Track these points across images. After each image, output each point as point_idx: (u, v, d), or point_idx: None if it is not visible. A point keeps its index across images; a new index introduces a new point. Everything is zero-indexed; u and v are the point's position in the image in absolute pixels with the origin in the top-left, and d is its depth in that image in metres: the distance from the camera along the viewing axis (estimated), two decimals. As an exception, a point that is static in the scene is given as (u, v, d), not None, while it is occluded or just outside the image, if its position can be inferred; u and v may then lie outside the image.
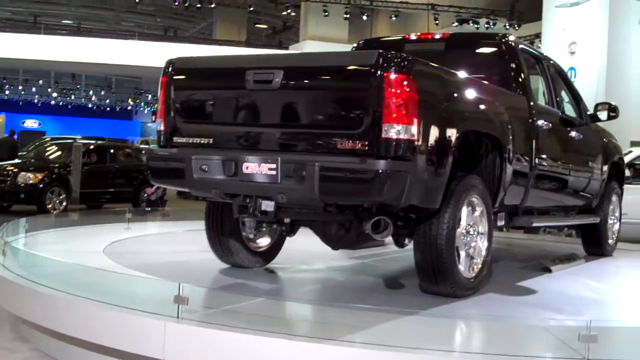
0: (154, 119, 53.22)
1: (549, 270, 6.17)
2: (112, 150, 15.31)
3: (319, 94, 4.41)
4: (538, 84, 6.27)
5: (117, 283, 4.44)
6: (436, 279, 4.59)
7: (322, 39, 26.37)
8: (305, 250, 6.09)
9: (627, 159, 10.34)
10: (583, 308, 4.86)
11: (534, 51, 6.34)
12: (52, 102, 49.70)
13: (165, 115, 4.84)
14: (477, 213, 4.80)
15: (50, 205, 13.26)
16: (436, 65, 4.57)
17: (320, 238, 5.16)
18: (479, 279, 4.84)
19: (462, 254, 4.66)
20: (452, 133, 4.36)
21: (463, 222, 4.63)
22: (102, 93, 48.13)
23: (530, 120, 5.50)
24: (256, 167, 4.33)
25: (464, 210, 4.62)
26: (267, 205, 4.47)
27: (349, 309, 4.14)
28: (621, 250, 7.68)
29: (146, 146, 22.60)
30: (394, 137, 3.98)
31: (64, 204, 13.50)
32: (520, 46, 5.84)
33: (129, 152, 16.00)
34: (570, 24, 15.30)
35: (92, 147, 14.90)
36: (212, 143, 4.64)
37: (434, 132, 4.22)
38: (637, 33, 14.96)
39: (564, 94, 6.69)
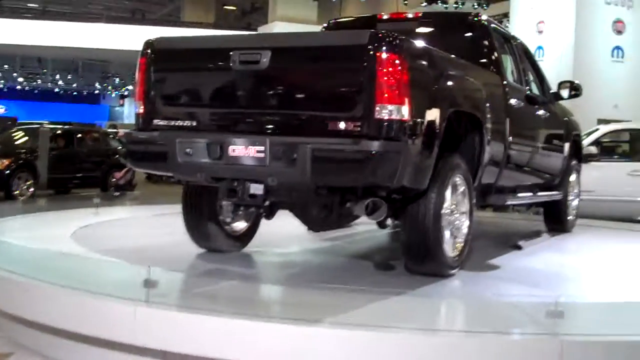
0: (121, 103, 52.80)
1: (519, 248, 6.26)
2: (79, 135, 15.17)
3: (308, 75, 4.32)
4: (506, 63, 6.30)
5: (86, 268, 4.39)
6: (422, 259, 4.59)
7: (291, 20, 26.15)
8: (278, 233, 6.07)
9: (593, 136, 10.47)
10: (552, 284, 4.91)
11: (503, 30, 6.37)
12: (18, 87, 48.90)
13: (144, 98, 4.69)
14: (459, 192, 4.79)
15: (17, 192, 13.04)
16: (426, 44, 4.54)
17: (300, 220, 5.09)
18: (462, 258, 4.85)
19: (447, 233, 4.64)
20: (440, 113, 4.34)
21: (447, 202, 4.61)
22: (69, 77, 47.41)
23: (504, 99, 5.53)
24: (243, 150, 4.20)
25: (449, 190, 4.60)
26: (256, 189, 4.37)
27: (324, 289, 4.13)
28: (582, 226, 7.83)
29: (114, 130, 22.38)
30: (387, 117, 3.93)
31: (32, 190, 13.28)
32: (492, 25, 5.86)
33: (96, 136, 15.90)
34: (538, 3, 15.34)
35: (59, 132, 14.75)
36: (196, 125, 4.52)
37: (425, 112, 4.19)
38: (604, 12, 15.06)
39: (529, 73, 6.76)
